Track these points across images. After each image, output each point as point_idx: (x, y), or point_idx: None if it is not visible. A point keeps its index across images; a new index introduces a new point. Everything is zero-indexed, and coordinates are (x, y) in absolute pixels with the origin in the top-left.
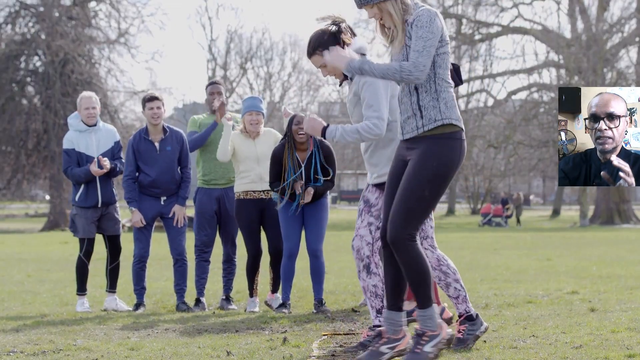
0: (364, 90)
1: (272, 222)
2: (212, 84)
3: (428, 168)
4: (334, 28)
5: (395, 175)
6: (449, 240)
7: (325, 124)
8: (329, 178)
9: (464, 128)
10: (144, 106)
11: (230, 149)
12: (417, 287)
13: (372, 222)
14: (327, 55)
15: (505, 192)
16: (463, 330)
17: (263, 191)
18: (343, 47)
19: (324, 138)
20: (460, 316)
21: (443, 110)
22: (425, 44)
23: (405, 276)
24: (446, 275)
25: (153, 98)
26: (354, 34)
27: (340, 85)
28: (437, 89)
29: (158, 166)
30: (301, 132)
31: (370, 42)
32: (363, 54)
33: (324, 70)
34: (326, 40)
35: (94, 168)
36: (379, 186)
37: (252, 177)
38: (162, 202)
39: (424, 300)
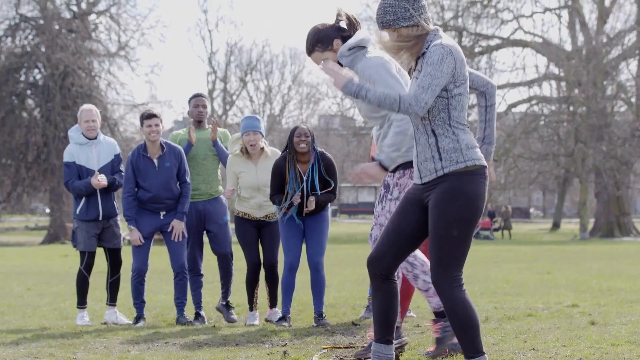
0: (373, 83)
1: (269, 237)
2: (196, 96)
3: (452, 208)
4: (340, 22)
5: (403, 212)
6: None
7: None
8: (330, 189)
9: (486, 165)
10: (142, 123)
11: (233, 179)
12: (462, 335)
13: (392, 209)
14: (325, 68)
15: (493, 205)
16: (439, 328)
17: (262, 216)
18: (343, 42)
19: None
20: (435, 314)
21: (465, 152)
22: (432, 81)
23: (450, 322)
24: (413, 266)
25: (151, 115)
26: (356, 25)
27: None
28: (455, 131)
29: (157, 182)
30: (302, 144)
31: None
32: (364, 47)
33: (325, 63)
34: (325, 35)
35: (94, 180)
36: (397, 169)
37: (251, 204)
38: (161, 217)
39: (469, 350)
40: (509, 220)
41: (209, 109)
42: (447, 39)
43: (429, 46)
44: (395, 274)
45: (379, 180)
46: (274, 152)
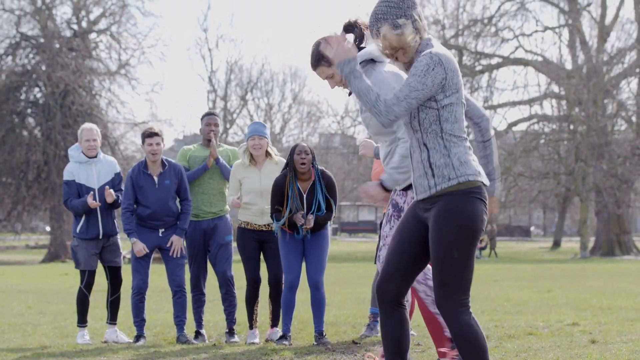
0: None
1: (272, 252)
2: (208, 114)
3: (450, 230)
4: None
5: (405, 230)
6: None
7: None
8: (330, 208)
9: (484, 181)
10: (143, 141)
11: (236, 187)
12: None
13: None
14: (331, 43)
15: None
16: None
17: (264, 225)
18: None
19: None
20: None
21: (457, 167)
22: (409, 93)
23: (457, 347)
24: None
25: (152, 134)
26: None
27: (349, 94)
28: (447, 145)
29: (157, 199)
30: (303, 162)
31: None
32: (375, 60)
33: (331, 82)
34: None
35: (90, 200)
36: (407, 189)
37: (253, 211)
38: (160, 234)
39: None
40: (494, 239)
41: (220, 128)
42: (438, 47)
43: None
44: (405, 299)
45: (379, 202)
46: (281, 161)
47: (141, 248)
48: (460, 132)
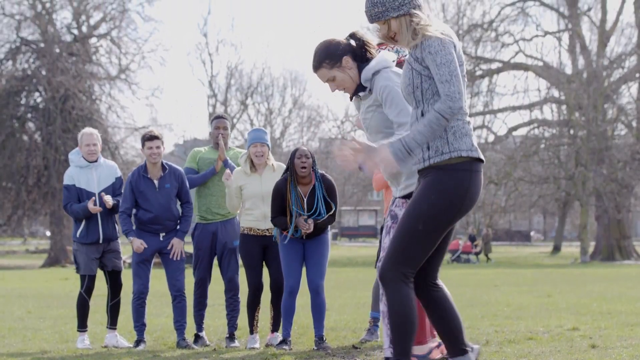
0: (387, 95)
1: (274, 258)
2: (217, 117)
3: (424, 201)
4: (351, 40)
5: None
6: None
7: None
8: (331, 213)
9: (480, 157)
10: (143, 145)
11: (237, 193)
12: (396, 334)
13: None
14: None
15: (474, 228)
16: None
17: (267, 229)
18: (354, 60)
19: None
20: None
21: (451, 142)
22: (449, 69)
23: (388, 318)
24: None
25: (152, 137)
26: (369, 48)
27: (351, 99)
28: None
29: (157, 203)
30: (303, 166)
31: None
32: (386, 67)
33: (332, 84)
34: (334, 50)
35: (91, 205)
36: (407, 197)
37: (256, 215)
38: (160, 238)
39: (398, 352)
40: (489, 243)
41: (228, 132)
42: (438, 24)
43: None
44: (438, 280)
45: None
46: (279, 166)
47: (139, 244)
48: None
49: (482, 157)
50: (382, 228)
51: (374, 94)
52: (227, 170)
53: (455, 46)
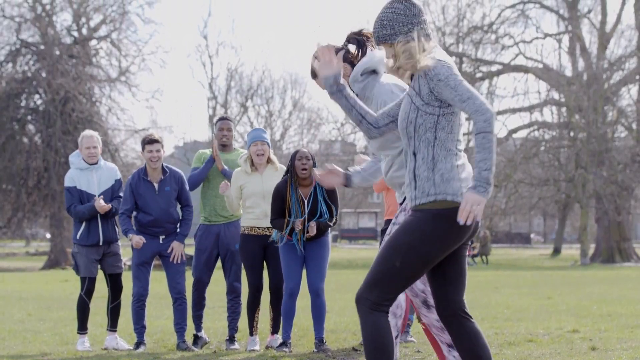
0: (379, 95)
1: (274, 258)
2: (221, 119)
3: (404, 240)
4: (349, 45)
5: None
6: None
7: (343, 172)
8: (334, 220)
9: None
10: (143, 148)
11: (237, 194)
12: (370, 358)
13: None
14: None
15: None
16: None
17: (267, 228)
18: (350, 65)
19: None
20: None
21: (438, 184)
22: (465, 86)
23: (363, 342)
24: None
25: (152, 141)
26: (367, 44)
27: None
28: (435, 156)
29: (157, 206)
30: (304, 168)
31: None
32: (375, 72)
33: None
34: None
35: (99, 204)
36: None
37: (257, 214)
38: (160, 241)
39: None
40: (486, 245)
41: (233, 133)
42: (442, 55)
43: None
44: (465, 308)
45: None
46: (281, 167)
47: (138, 239)
48: (452, 144)
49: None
50: (382, 231)
51: (373, 103)
52: (224, 182)
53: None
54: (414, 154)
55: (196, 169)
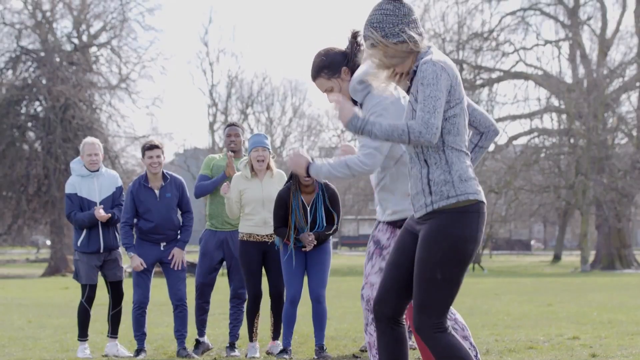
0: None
1: (274, 264)
2: (230, 125)
3: (438, 250)
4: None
5: (401, 246)
6: None
7: (310, 160)
8: (335, 227)
9: (484, 200)
10: (143, 154)
11: (237, 198)
12: None
13: (383, 267)
14: (330, 99)
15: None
16: None
17: (266, 235)
18: (351, 69)
19: (308, 175)
20: None
21: (457, 185)
22: (435, 103)
23: None
24: (454, 331)
25: (153, 147)
26: (357, 49)
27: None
28: (448, 160)
29: (158, 213)
30: (307, 176)
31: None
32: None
33: (330, 96)
34: (332, 60)
35: (98, 213)
36: (392, 224)
37: (256, 221)
38: (161, 248)
39: None
40: (479, 253)
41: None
42: (438, 54)
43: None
44: (403, 316)
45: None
46: (278, 173)
47: (138, 263)
48: (461, 145)
49: (484, 200)
50: None
51: (364, 111)
52: (225, 183)
53: (450, 77)
54: (425, 161)
55: (205, 176)
